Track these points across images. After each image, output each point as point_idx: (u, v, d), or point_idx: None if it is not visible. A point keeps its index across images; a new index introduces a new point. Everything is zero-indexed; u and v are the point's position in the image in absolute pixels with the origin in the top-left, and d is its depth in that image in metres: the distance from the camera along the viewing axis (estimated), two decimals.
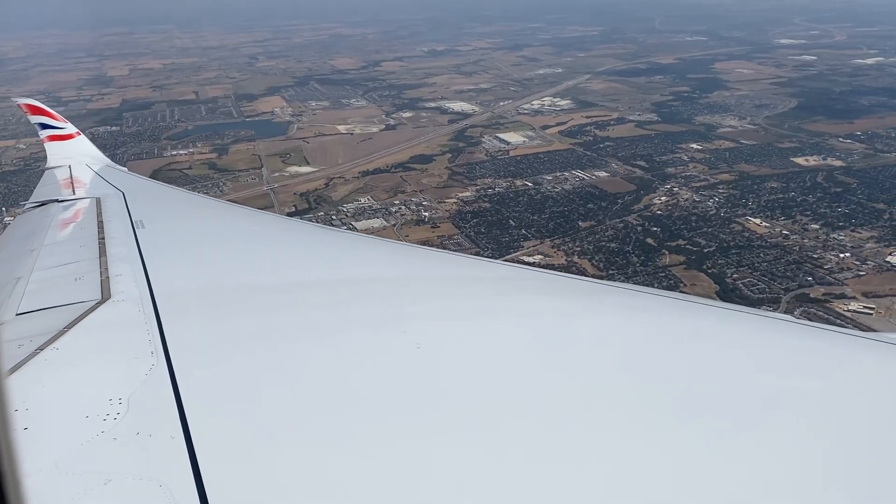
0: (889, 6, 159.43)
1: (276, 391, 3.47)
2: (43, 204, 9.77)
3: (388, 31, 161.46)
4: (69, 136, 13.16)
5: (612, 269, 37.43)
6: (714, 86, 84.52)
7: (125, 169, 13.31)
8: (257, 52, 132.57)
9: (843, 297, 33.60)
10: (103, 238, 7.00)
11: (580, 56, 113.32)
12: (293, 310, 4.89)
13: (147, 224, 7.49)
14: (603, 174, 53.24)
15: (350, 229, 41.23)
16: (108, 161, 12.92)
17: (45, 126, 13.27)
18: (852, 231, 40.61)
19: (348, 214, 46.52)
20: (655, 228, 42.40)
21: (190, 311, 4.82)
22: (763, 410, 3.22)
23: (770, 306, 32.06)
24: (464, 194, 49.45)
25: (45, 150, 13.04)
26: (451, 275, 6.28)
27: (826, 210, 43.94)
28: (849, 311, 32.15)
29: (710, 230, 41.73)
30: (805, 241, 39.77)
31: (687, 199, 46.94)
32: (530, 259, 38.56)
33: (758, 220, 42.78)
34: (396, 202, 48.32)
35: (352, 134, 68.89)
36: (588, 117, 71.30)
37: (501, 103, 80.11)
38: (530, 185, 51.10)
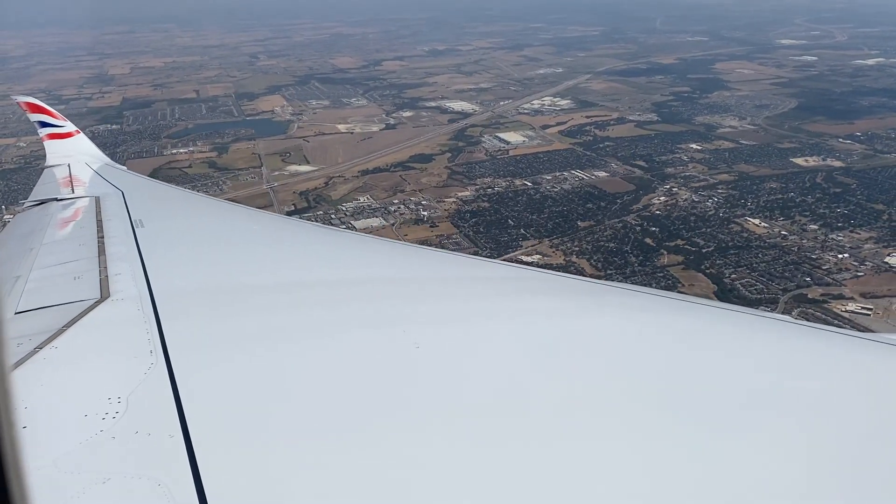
0: (890, 7, 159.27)
1: (275, 390, 3.48)
2: (42, 202, 9.79)
3: (389, 30, 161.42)
4: (68, 135, 13.18)
5: (611, 269, 37.45)
6: (714, 86, 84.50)
7: (124, 168, 13.33)
8: (258, 50, 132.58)
9: (841, 297, 33.62)
10: (102, 237, 7.01)
11: (581, 56, 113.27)
12: (292, 309, 4.90)
13: (146, 223, 7.51)
14: (602, 174, 53.24)
15: (349, 228, 41.28)
16: (108, 160, 12.92)
17: (44, 124, 13.29)
18: (851, 232, 40.61)
19: (347, 213, 46.56)
20: (654, 228, 42.42)
21: (189, 311, 4.83)
22: (760, 410, 3.23)
23: (768, 307, 32.08)
24: (463, 194, 49.47)
25: (44, 149, 13.07)
26: (450, 274, 6.29)
27: (825, 211, 43.95)
28: (846, 311, 32.17)
29: (708, 230, 41.74)
30: (804, 241, 39.78)
31: (686, 200, 46.95)
32: (529, 259, 38.58)
33: (756, 221, 42.79)
34: (395, 201, 48.34)
35: (352, 133, 68.91)
36: (588, 117, 71.28)
37: (502, 103, 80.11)
38: (529, 184, 51.11)
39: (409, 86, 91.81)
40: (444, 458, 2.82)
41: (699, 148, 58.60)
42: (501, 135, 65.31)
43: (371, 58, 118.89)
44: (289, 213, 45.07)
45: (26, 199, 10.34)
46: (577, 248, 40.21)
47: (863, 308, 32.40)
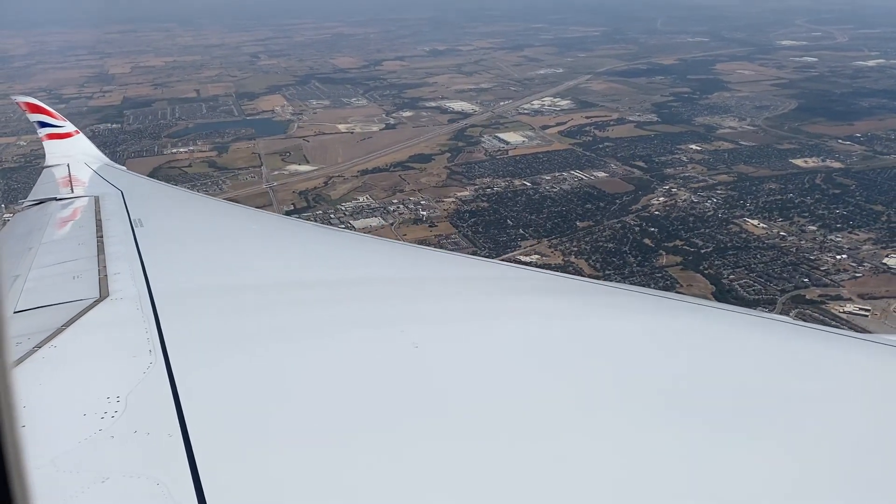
0: (891, 8, 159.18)
1: (274, 390, 3.48)
2: (41, 202, 9.81)
3: (390, 30, 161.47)
4: (68, 135, 13.17)
5: (609, 270, 37.47)
6: (714, 87, 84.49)
7: (124, 168, 13.38)
8: (259, 50, 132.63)
9: (839, 298, 33.62)
10: (102, 236, 7.02)
11: (581, 56, 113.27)
12: (291, 309, 4.92)
13: (145, 223, 7.53)
14: (602, 174, 53.25)
15: (348, 228, 41.34)
16: (107, 160, 12.93)
17: (43, 124, 13.28)
18: (850, 233, 40.62)
19: (346, 213, 46.60)
20: (653, 229, 42.44)
21: (188, 310, 4.83)
22: (758, 410, 3.23)
23: (766, 307, 32.09)
24: (462, 194, 49.50)
25: (44, 148, 13.12)
26: (449, 274, 6.31)
27: (824, 212, 43.95)
28: (844, 312, 32.18)
29: (707, 231, 41.75)
30: (802, 242, 39.78)
31: (685, 200, 46.96)
32: (527, 259, 38.62)
33: (755, 222, 42.79)
34: (395, 201, 48.37)
35: (352, 133, 68.96)
36: (588, 118, 71.30)
37: (502, 103, 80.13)
38: (529, 184, 51.13)
39: (409, 86, 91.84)
40: (442, 457, 2.82)
41: (699, 149, 58.61)
42: (501, 135, 65.34)
43: (372, 58, 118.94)
44: (288, 213, 45.12)
45: (26, 198, 10.38)
46: (575, 249, 40.24)
47: (861, 309, 32.41)
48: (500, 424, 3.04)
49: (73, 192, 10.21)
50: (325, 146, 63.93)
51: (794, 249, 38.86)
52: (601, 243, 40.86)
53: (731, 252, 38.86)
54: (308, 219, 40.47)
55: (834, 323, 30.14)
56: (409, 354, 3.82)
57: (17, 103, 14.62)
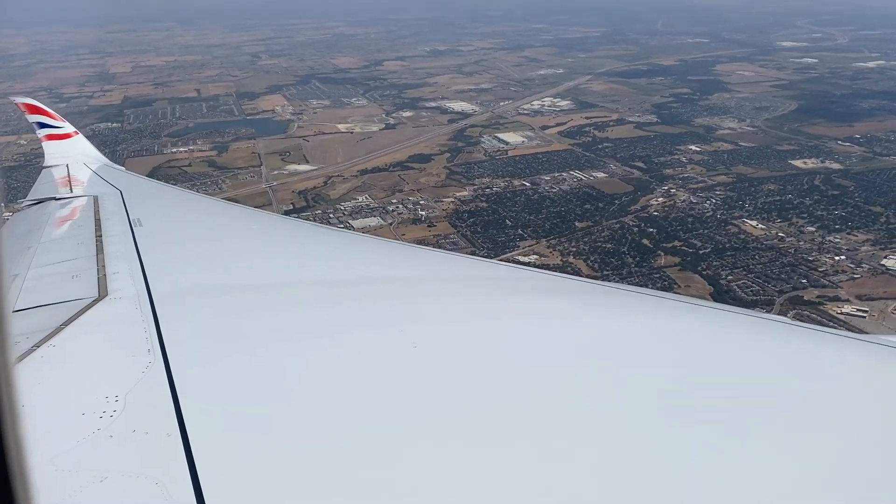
0: (891, 10, 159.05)
1: (273, 389, 3.48)
2: (40, 202, 9.83)
3: (390, 30, 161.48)
4: (67, 136, 13.17)
5: (608, 270, 37.50)
6: (714, 88, 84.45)
7: (123, 168, 13.45)
8: (259, 50, 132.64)
9: (836, 299, 33.64)
10: (101, 236, 7.03)
11: (582, 57, 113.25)
12: (290, 308, 4.92)
13: (144, 222, 7.54)
14: (601, 175, 53.26)
15: (347, 227, 41.39)
16: (106, 160, 12.95)
17: (43, 125, 13.28)
18: (848, 234, 40.62)
19: (345, 213, 46.64)
20: (651, 229, 42.46)
21: (187, 309, 4.83)
22: (755, 410, 3.24)
23: (764, 308, 32.11)
24: (461, 194, 49.53)
25: (43, 149, 13.16)
26: (448, 274, 6.33)
27: (822, 213, 43.95)
28: (842, 313, 32.20)
29: (706, 232, 41.78)
30: (800, 243, 39.79)
31: (684, 201, 46.97)
32: (526, 259, 38.64)
33: (754, 223, 42.81)
34: (394, 201, 48.41)
35: (352, 133, 68.99)
36: (588, 118, 71.30)
37: (502, 103, 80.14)
38: (528, 185, 51.14)
39: (409, 86, 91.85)
40: (441, 457, 2.83)
41: (698, 149, 58.61)
42: (501, 135, 65.35)
43: (372, 58, 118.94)
44: (287, 212, 45.16)
45: (26, 197, 10.40)
46: (574, 249, 40.27)
47: (858, 310, 32.42)
48: (500, 424, 3.06)
49: (72, 191, 10.23)
50: (324, 146, 63.97)
51: (792, 250, 38.88)
52: (600, 244, 40.89)
53: (729, 253, 38.89)
54: (307, 218, 40.51)
55: (832, 324, 30.15)
56: (408, 354, 3.82)
57: (16, 104, 14.62)
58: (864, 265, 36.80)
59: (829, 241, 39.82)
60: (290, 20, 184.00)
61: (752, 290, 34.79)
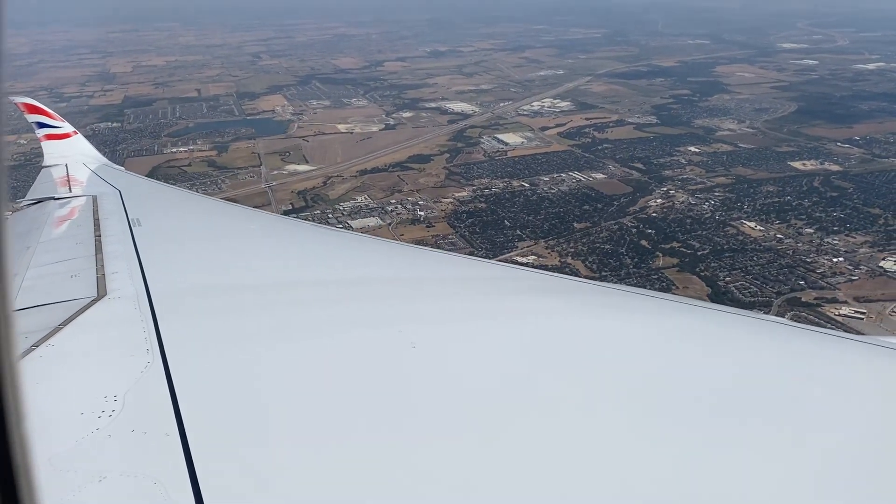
0: (891, 11, 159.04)
1: (271, 389, 3.49)
2: (39, 201, 9.82)
3: (391, 31, 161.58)
4: (66, 136, 13.16)
5: (606, 271, 37.53)
6: (714, 89, 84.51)
7: (122, 168, 13.41)
8: (260, 50, 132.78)
9: (834, 301, 33.66)
10: (100, 235, 7.02)
11: (582, 58, 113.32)
12: (289, 308, 4.92)
13: (143, 222, 7.54)
14: (600, 176, 53.30)
15: (346, 228, 41.43)
16: (105, 160, 12.92)
17: (42, 125, 13.27)
18: (846, 236, 40.65)
19: (344, 213, 46.69)
20: (650, 231, 42.49)
21: (186, 309, 4.83)
22: (753, 411, 3.24)
23: (761, 309, 32.13)
24: (460, 194, 49.56)
25: (42, 149, 13.17)
26: (447, 274, 6.33)
27: (821, 214, 43.99)
28: (840, 315, 32.22)
29: (704, 233, 41.81)
30: (799, 245, 39.83)
31: (683, 202, 47.01)
32: (524, 259, 38.68)
33: (752, 224, 42.84)
34: (393, 201, 48.46)
35: (351, 133, 69.05)
36: (587, 119, 71.36)
37: (501, 104, 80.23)
38: (527, 185, 51.18)
39: (409, 86, 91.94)
40: (440, 457, 2.83)
41: (697, 151, 58.66)
42: (500, 136, 65.40)
43: (373, 58, 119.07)
44: (286, 212, 45.21)
45: (25, 197, 10.38)
46: (572, 250, 40.30)
47: (856, 312, 32.44)
48: (498, 424, 3.07)
49: (71, 191, 10.22)
50: (324, 146, 64.03)
51: (790, 252, 38.91)
52: (598, 245, 40.92)
53: (727, 254, 38.92)
54: (306, 218, 40.55)
55: (829, 326, 30.17)
56: (406, 354, 3.82)
57: (15, 104, 14.64)
58: (862, 267, 36.83)
59: (828, 242, 39.86)
60: (290, 20, 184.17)
61: (750, 292, 34.82)
